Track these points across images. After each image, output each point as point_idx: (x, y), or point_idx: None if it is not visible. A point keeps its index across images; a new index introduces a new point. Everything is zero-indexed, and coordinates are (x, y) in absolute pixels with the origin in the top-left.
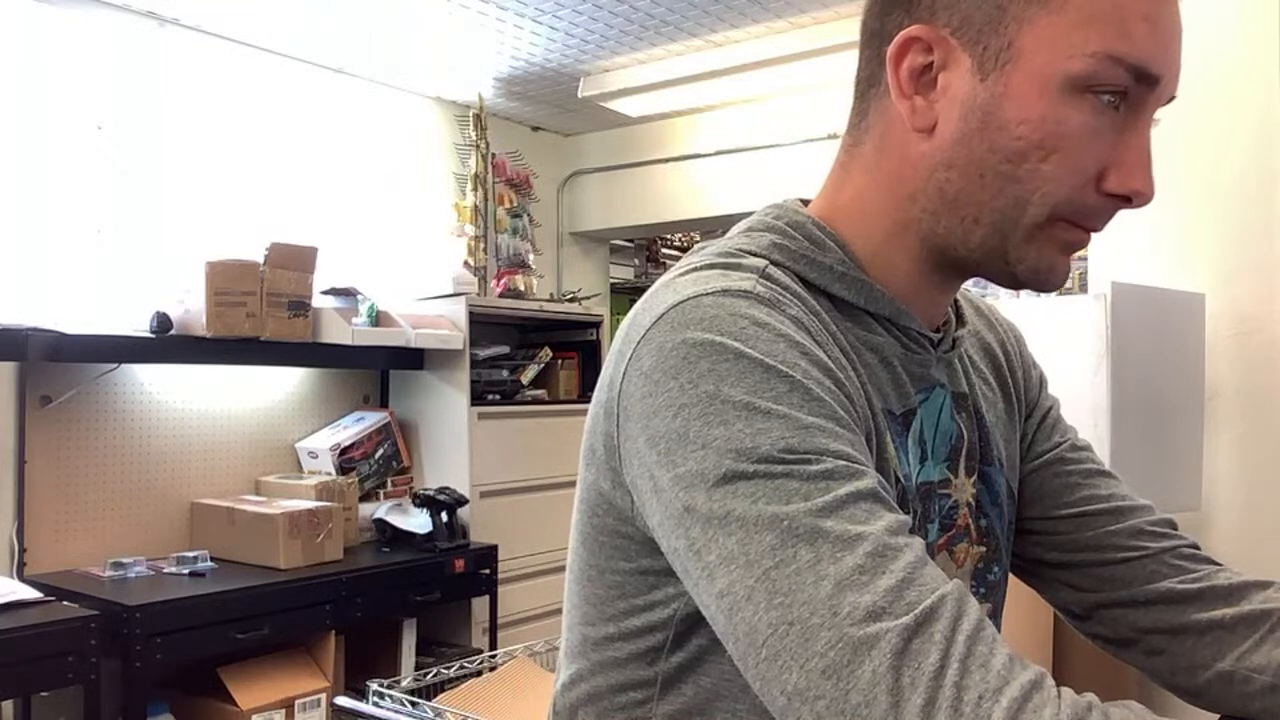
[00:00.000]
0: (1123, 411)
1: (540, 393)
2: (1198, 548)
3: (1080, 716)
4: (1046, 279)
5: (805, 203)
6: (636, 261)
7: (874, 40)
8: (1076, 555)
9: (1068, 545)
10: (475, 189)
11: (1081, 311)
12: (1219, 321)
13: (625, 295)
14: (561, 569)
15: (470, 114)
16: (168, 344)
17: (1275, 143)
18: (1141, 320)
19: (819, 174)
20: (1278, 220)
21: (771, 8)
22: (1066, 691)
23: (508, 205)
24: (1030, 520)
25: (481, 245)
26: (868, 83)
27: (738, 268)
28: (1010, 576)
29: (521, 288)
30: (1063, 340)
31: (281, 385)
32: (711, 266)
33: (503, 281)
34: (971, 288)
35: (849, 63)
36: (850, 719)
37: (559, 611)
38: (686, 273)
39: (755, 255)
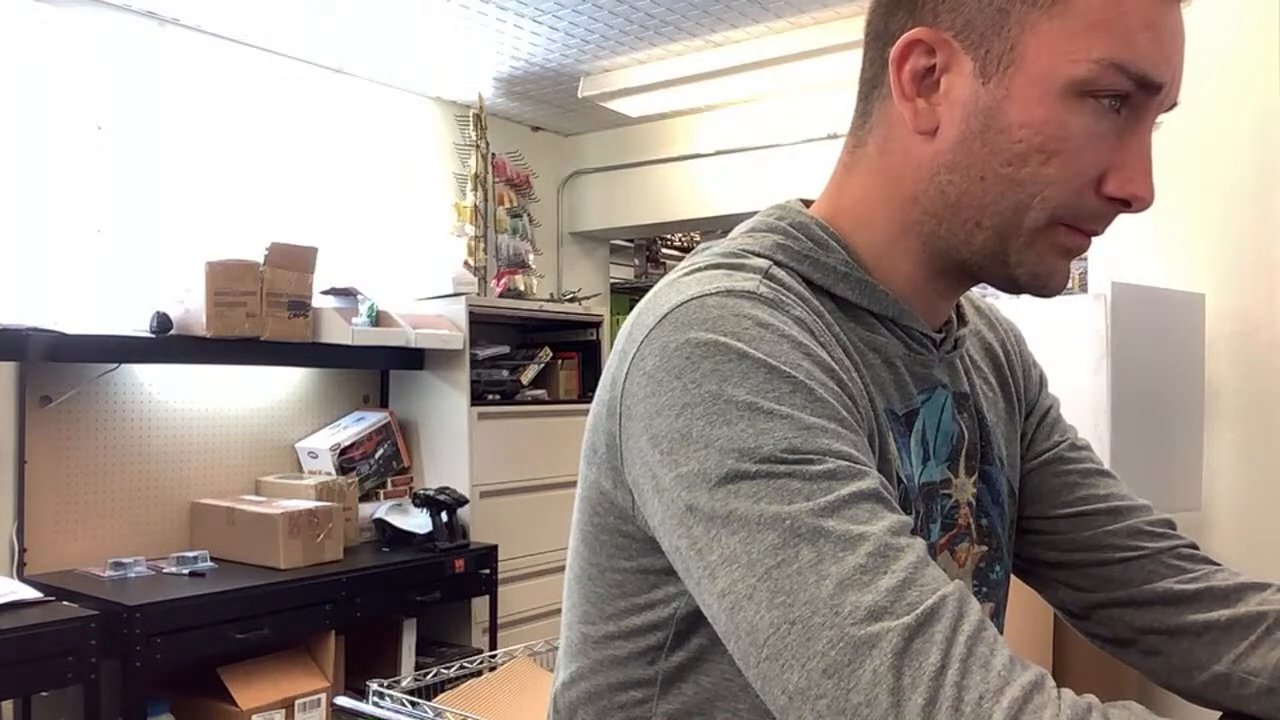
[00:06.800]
0: (1123, 411)
1: (540, 393)
2: (1196, 547)
3: (1080, 717)
4: (1046, 284)
5: (807, 203)
6: (636, 261)
7: (877, 42)
8: (1075, 555)
9: (1066, 545)
10: (475, 189)
11: (1081, 311)
12: (1219, 321)
13: (625, 295)
14: (561, 569)
15: (470, 114)
16: (168, 344)
17: (1275, 143)
18: (1141, 320)
19: (819, 174)
20: (1278, 220)
21: (771, 8)
22: (1067, 692)
23: (508, 205)
24: (1029, 520)
25: (481, 245)
26: (871, 84)
27: (741, 268)
28: (1011, 577)
29: (521, 288)
30: (1063, 340)
31: (281, 385)
32: (715, 266)
33: (503, 281)
34: (972, 288)
35: (848, 62)
36: (851, 718)
37: (559, 611)
38: (690, 272)
39: (759, 256)
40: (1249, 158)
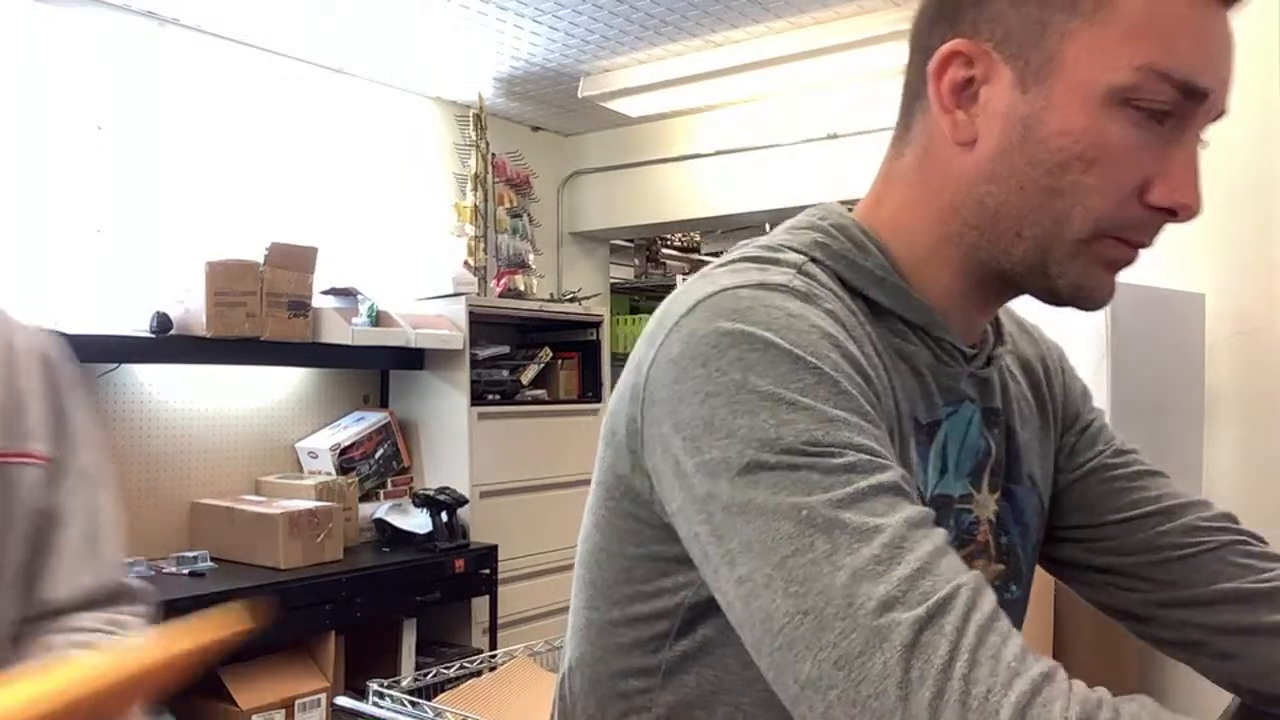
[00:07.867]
0: (1123, 411)
1: (540, 393)
2: (1263, 541)
3: (1090, 711)
4: (1090, 297)
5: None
6: (636, 261)
7: (920, 54)
8: (1128, 559)
9: (1117, 549)
10: (475, 189)
11: (1081, 311)
12: (1219, 321)
13: (625, 295)
14: (562, 569)
15: (470, 114)
16: (168, 344)
17: (1275, 143)
18: (1141, 320)
19: (819, 174)
20: (1278, 220)
21: (771, 8)
22: (1078, 685)
23: (508, 205)
24: (1074, 529)
25: (481, 245)
26: (913, 95)
27: (776, 263)
28: (1029, 598)
29: (521, 288)
30: (1063, 340)
31: (281, 385)
32: (749, 260)
33: (503, 281)
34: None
35: (848, 62)
36: (860, 710)
37: (559, 611)
38: (724, 265)
39: (795, 251)
40: (1249, 158)
